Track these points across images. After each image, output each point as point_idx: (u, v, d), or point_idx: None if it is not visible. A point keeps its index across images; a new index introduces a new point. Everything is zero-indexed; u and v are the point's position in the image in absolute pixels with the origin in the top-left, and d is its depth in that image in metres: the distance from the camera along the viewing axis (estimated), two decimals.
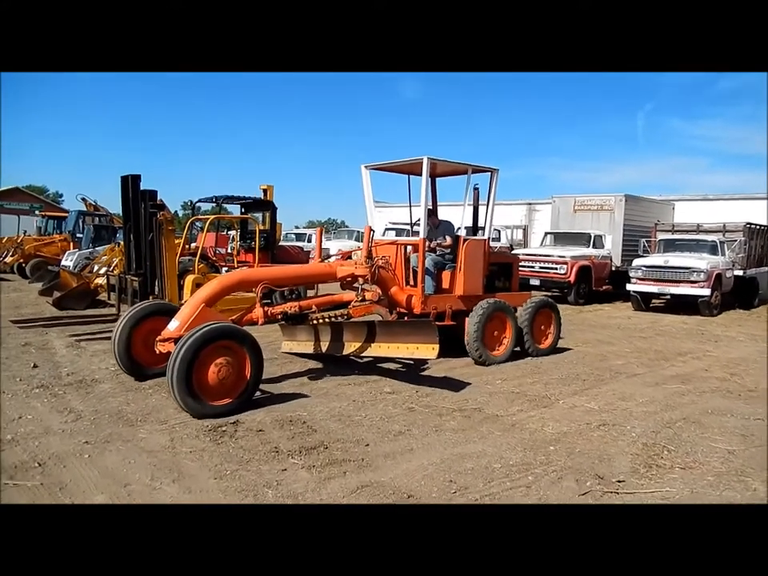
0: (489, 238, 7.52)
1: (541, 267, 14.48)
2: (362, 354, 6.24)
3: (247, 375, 4.92)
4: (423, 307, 6.65)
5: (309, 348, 6.78)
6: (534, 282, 14.61)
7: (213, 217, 11.24)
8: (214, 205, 12.05)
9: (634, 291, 13.46)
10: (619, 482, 3.69)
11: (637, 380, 6.43)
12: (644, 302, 13.58)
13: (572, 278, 14.01)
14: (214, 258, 10.98)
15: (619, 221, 15.44)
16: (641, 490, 3.58)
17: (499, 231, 17.73)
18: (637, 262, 13.64)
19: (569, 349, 8.25)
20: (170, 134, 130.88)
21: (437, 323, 6.57)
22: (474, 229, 7.68)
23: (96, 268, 12.46)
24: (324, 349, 6.57)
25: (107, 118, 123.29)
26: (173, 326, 5.05)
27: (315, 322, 6.25)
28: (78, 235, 18.44)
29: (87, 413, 4.71)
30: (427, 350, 5.45)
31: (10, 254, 18.50)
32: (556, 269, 14.21)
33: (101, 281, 11.49)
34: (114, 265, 11.97)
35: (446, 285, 7.23)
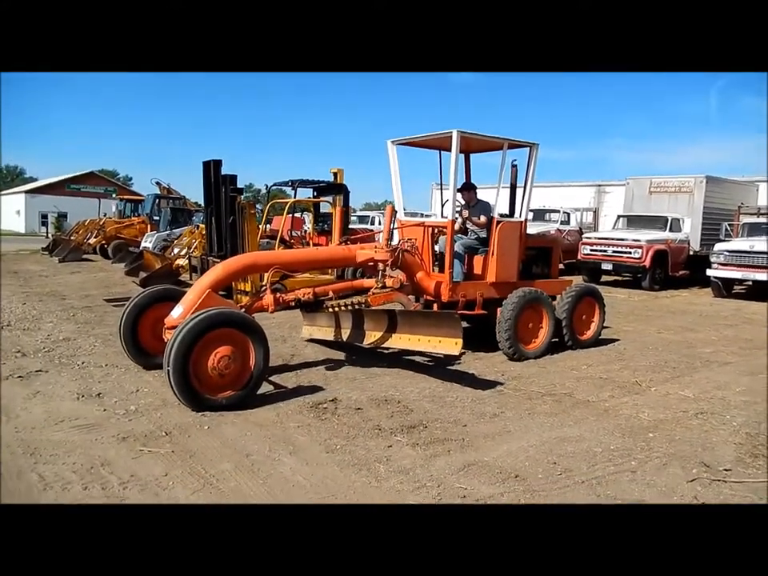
0: (525, 220, 6.88)
1: (614, 251, 14.09)
2: (383, 345, 5.91)
3: (251, 366, 4.61)
4: (451, 295, 6.22)
5: (329, 335, 6.52)
6: (606, 266, 14.31)
7: (292, 200, 11.54)
8: (289, 188, 12.32)
9: (715, 277, 12.90)
10: (726, 470, 3.65)
11: (730, 369, 6.25)
12: (725, 288, 13.01)
13: (647, 263, 13.56)
14: (292, 241, 11.28)
15: (699, 203, 14.76)
16: (749, 480, 3.53)
17: (569, 214, 17.27)
18: (719, 246, 13.05)
19: (616, 339, 7.62)
20: (222, 124, 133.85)
21: (466, 312, 6.29)
22: (512, 211, 7.14)
23: (177, 250, 13.04)
24: (345, 337, 6.30)
25: (169, 109, 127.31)
26: (176, 312, 4.79)
27: (332, 309, 5.93)
28: (154, 218, 19.26)
29: None
30: (450, 345, 5.03)
31: (94, 235, 19.53)
32: (630, 253, 13.78)
33: (182, 262, 12.04)
34: (193, 247, 12.50)
35: (477, 270, 6.70)
